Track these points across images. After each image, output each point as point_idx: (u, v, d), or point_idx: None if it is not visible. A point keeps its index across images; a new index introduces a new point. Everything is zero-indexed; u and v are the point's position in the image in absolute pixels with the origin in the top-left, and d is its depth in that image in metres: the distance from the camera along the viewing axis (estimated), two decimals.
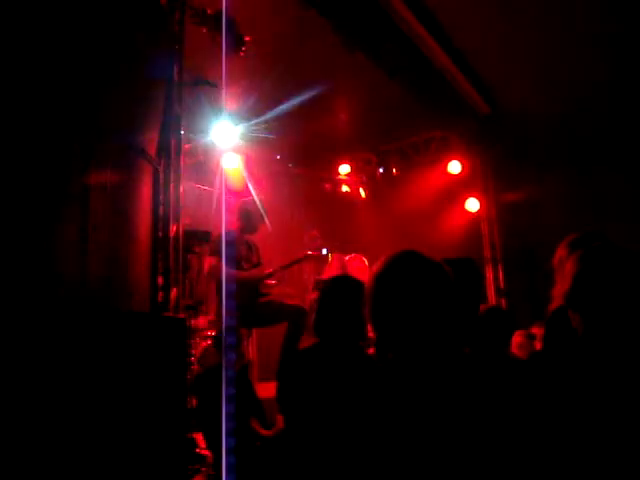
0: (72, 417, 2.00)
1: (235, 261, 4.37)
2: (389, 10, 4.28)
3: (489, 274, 6.69)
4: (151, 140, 3.11)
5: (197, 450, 3.37)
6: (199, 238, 4.49)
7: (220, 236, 4.41)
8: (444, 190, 7.07)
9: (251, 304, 4.36)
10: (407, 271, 1.33)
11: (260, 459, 3.35)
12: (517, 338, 3.87)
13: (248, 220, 4.58)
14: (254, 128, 5.80)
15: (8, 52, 2.13)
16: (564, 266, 1.71)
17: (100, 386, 2.12)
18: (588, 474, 1.28)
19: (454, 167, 7.04)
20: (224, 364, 3.33)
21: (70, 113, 2.40)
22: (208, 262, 4.39)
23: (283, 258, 4.87)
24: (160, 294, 3.13)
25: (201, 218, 4.84)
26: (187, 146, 3.92)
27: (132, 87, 2.86)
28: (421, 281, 1.31)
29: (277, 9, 4.18)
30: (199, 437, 3.49)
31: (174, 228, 3.30)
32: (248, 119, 5.72)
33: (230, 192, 5.44)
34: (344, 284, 2.37)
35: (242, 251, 4.51)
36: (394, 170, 7.55)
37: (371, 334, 1.45)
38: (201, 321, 4.62)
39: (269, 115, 5.50)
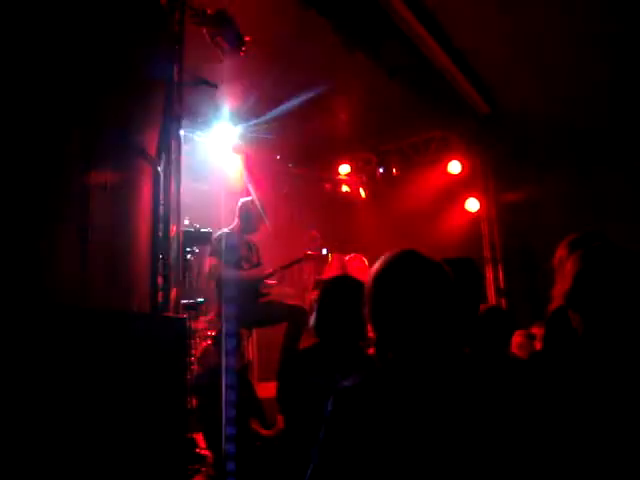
0: (72, 417, 2.00)
1: (235, 261, 4.37)
2: (389, 10, 4.28)
3: (489, 274, 6.69)
4: (151, 140, 3.10)
5: (197, 450, 3.38)
6: (199, 238, 4.49)
7: (220, 236, 4.42)
8: (444, 190, 7.07)
9: (251, 304, 4.37)
10: (407, 271, 1.33)
11: (260, 459, 3.35)
12: (517, 338, 3.87)
13: (248, 220, 4.59)
14: (254, 128, 5.80)
15: (9, 52, 2.13)
16: (564, 266, 1.72)
17: (100, 386, 2.12)
18: (588, 474, 1.28)
19: (454, 167, 7.05)
20: (224, 366, 3.33)
21: (70, 113, 2.40)
22: (208, 262, 4.40)
23: (283, 258, 4.87)
24: (160, 294, 3.13)
25: (201, 218, 4.84)
26: (187, 146, 3.91)
27: (132, 87, 2.86)
28: (421, 281, 1.31)
29: (277, 9, 4.18)
30: (199, 437, 3.49)
31: (174, 228, 3.29)
32: (248, 119, 5.72)
33: (230, 192, 5.45)
34: (344, 284, 2.37)
35: (242, 251, 4.51)
36: (394, 170, 7.55)
37: (371, 334, 1.45)
38: (201, 321, 4.62)
39: (269, 115, 5.50)
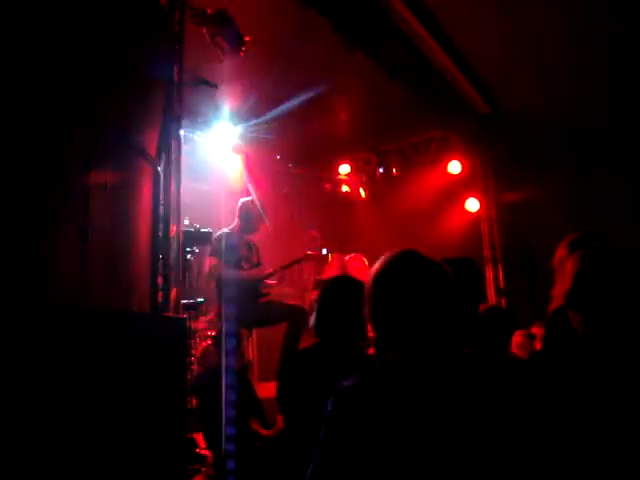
0: (72, 417, 2.00)
1: (235, 261, 4.37)
2: (389, 10, 4.28)
3: (489, 274, 6.70)
4: (151, 140, 3.10)
5: (197, 450, 3.38)
6: (199, 238, 4.49)
7: (220, 236, 4.42)
8: (444, 190, 7.07)
9: (251, 304, 4.37)
10: (406, 271, 1.33)
11: (260, 459, 3.35)
12: (517, 338, 3.87)
13: (248, 220, 4.59)
14: (254, 128, 5.80)
15: (9, 52, 2.13)
16: (564, 266, 1.72)
17: (100, 386, 2.12)
18: (588, 474, 1.28)
19: (454, 167, 7.05)
20: (224, 366, 3.33)
21: (70, 113, 2.40)
22: (208, 262, 4.40)
23: (283, 258, 4.87)
24: (160, 294, 3.13)
25: (201, 218, 4.84)
26: (187, 146, 3.91)
27: (132, 87, 2.86)
28: (421, 281, 1.31)
29: (277, 9, 4.18)
30: (199, 437, 3.49)
31: (174, 228, 3.29)
32: (248, 119, 5.72)
33: (230, 192, 5.45)
34: (344, 284, 2.37)
35: (242, 251, 4.51)
36: (394, 170, 7.55)
37: (371, 334, 1.45)
38: (201, 321, 4.62)
39: (269, 115, 5.50)
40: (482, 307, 2.70)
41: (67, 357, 2.02)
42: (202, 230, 4.68)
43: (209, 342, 4.16)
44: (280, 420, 3.13)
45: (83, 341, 2.09)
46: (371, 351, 2.54)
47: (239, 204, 4.68)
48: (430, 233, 6.65)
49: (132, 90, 2.87)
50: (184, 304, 3.73)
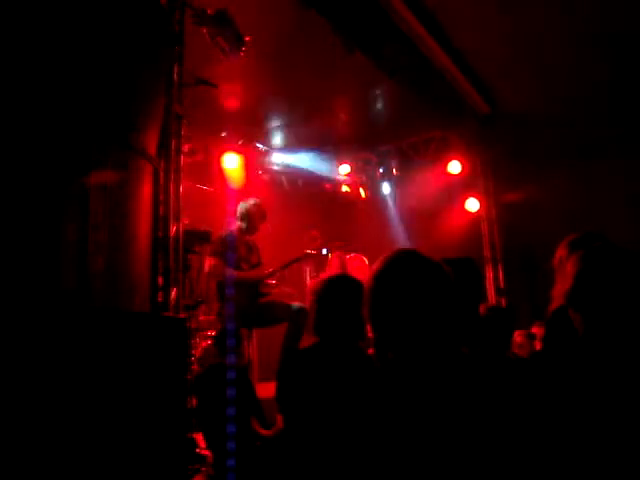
0: (72, 417, 2.00)
1: (235, 261, 4.37)
2: (389, 10, 4.28)
3: (489, 274, 6.70)
4: (151, 140, 3.11)
5: (197, 450, 3.37)
6: (199, 238, 4.49)
7: (220, 236, 4.42)
8: (444, 190, 7.07)
9: (251, 304, 4.37)
10: (406, 271, 1.33)
11: (260, 459, 3.35)
12: (517, 338, 3.87)
13: (248, 220, 4.59)
14: (254, 128, 5.80)
15: (9, 52, 2.13)
16: (564, 266, 1.72)
17: (100, 386, 2.12)
18: (588, 474, 1.27)
19: (454, 167, 7.04)
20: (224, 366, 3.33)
21: (70, 113, 2.40)
22: (208, 262, 4.39)
23: (283, 258, 4.87)
24: (160, 294, 3.13)
25: (201, 218, 4.84)
26: (187, 146, 3.91)
27: (132, 87, 2.86)
28: (420, 281, 1.31)
29: (277, 9, 4.18)
30: (199, 437, 3.49)
31: (174, 228, 3.29)
32: (248, 119, 5.73)
33: (230, 192, 5.45)
34: (344, 284, 2.37)
35: (242, 252, 4.51)
36: (394, 170, 7.55)
37: (371, 334, 1.45)
38: (201, 321, 4.62)
39: (269, 115, 5.50)
40: (482, 307, 2.70)
41: (67, 357, 2.02)
42: (202, 230, 4.68)
43: (209, 342, 4.16)
44: (280, 420, 3.13)
45: (83, 341, 2.09)
46: (371, 351, 2.54)
47: (239, 205, 4.68)
48: (430, 233, 6.65)
49: (132, 90, 2.87)
50: (184, 304, 3.73)
